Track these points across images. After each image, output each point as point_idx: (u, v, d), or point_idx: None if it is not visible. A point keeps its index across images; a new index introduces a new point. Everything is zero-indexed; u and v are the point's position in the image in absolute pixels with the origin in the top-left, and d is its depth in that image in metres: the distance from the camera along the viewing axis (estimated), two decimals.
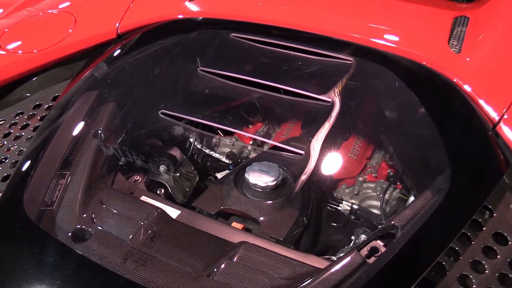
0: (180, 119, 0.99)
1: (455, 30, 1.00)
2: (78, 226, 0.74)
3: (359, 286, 0.60)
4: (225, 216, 0.93)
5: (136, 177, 1.04)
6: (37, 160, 0.84)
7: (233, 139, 1.14)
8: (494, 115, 0.77)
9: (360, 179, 1.02)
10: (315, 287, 0.61)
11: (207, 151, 1.13)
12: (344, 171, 1.03)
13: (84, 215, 0.76)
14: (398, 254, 0.61)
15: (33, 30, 1.22)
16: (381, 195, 0.93)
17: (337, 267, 0.63)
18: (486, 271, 0.63)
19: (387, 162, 1.06)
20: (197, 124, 1.04)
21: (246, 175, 0.92)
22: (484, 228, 0.67)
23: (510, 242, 0.66)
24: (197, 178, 1.07)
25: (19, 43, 1.17)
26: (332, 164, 0.98)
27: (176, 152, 1.04)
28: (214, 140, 1.17)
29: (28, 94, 1.11)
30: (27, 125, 1.00)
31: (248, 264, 0.67)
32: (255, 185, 0.91)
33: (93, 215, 0.77)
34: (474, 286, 0.61)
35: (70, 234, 0.72)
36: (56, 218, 0.75)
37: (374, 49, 0.96)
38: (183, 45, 1.09)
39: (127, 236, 0.72)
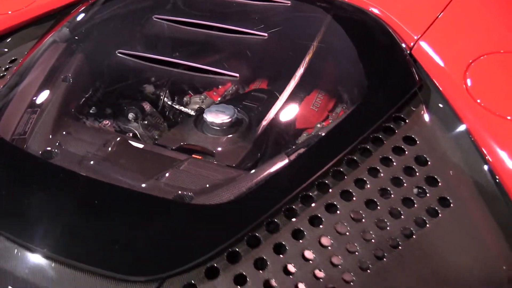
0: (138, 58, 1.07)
1: None
2: (47, 148, 0.84)
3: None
4: (186, 152, 1.03)
5: (106, 122, 1.13)
6: (10, 100, 0.94)
7: (202, 97, 1.24)
8: (410, 41, 0.88)
9: (319, 125, 1.13)
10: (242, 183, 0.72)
11: (177, 106, 1.22)
12: (306, 121, 1.13)
13: (52, 141, 0.86)
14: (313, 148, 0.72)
15: None
16: None
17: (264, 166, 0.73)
18: (394, 164, 0.74)
19: (345, 111, 1.16)
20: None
21: (204, 115, 1.02)
22: (396, 132, 0.78)
23: (418, 142, 0.77)
24: (166, 129, 1.16)
25: None
26: (293, 114, 1.07)
27: (146, 105, 1.13)
28: (185, 98, 1.26)
29: (5, 50, 1.20)
30: (3, 76, 1.10)
31: (191, 171, 0.78)
32: (212, 123, 1.01)
33: (60, 141, 0.87)
34: (385, 174, 0.72)
35: (39, 153, 0.83)
36: (28, 143, 0.85)
37: None
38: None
39: (90, 152, 0.82)
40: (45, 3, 1.25)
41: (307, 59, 0.96)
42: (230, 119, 1.01)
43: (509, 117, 0.72)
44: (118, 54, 1.02)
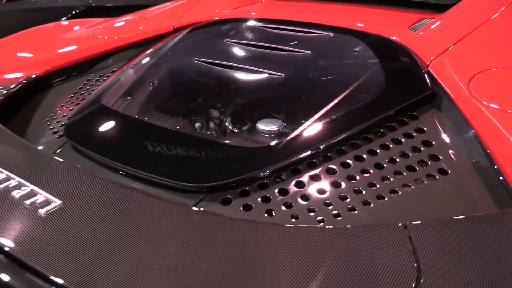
0: None
1: (417, 23, 1.34)
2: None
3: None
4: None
5: None
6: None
7: None
8: (427, 61, 1.10)
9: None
10: None
11: None
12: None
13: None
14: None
15: (118, 26, 1.71)
16: None
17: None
18: (403, 142, 0.92)
19: None
20: None
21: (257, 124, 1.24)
22: (408, 123, 0.97)
23: (426, 131, 0.95)
24: None
25: (107, 32, 1.65)
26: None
27: None
28: None
29: (110, 61, 1.55)
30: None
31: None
32: (262, 130, 1.22)
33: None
34: (395, 149, 0.90)
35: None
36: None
37: (341, 28, 1.31)
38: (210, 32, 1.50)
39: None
40: (141, 33, 1.61)
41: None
42: (278, 128, 1.23)
43: (497, 106, 0.90)
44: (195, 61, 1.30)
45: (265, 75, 1.12)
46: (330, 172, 0.87)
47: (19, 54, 1.64)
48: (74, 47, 1.61)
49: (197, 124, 1.02)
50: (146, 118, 1.05)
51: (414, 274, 0.57)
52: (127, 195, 0.75)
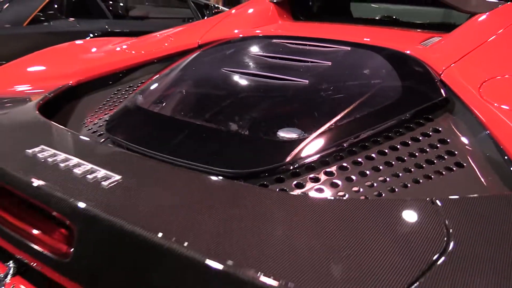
0: None
1: (427, 40, 1.46)
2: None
3: None
4: None
5: None
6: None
7: None
8: (440, 71, 1.20)
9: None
10: None
11: None
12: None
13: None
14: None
15: (145, 42, 1.82)
16: None
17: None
18: (421, 140, 1.01)
19: None
20: None
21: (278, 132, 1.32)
22: (425, 125, 1.06)
23: (441, 131, 1.04)
24: None
25: (134, 48, 1.76)
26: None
27: None
28: None
29: (137, 75, 1.65)
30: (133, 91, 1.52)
31: None
32: (283, 137, 1.31)
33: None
34: (413, 146, 0.99)
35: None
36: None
37: (358, 44, 1.42)
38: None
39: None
40: (167, 49, 1.72)
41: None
42: (297, 136, 1.31)
43: (507, 107, 1.00)
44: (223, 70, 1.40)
45: (291, 82, 1.21)
46: (355, 163, 0.95)
47: (51, 66, 1.75)
48: (104, 60, 1.71)
49: (231, 120, 1.10)
50: (182, 115, 1.14)
51: (443, 239, 0.64)
52: (180, 172, 0.83)
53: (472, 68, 1.20)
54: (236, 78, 1.27)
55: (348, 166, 0.94)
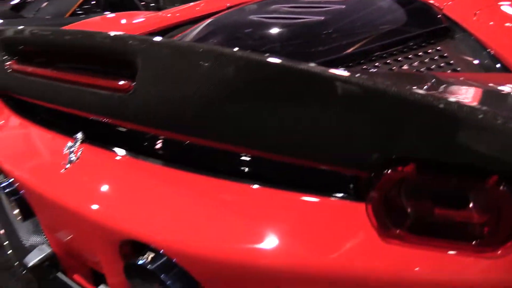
0: None
1: None
2: None
3: None
4: None
5: None
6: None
7: None
8: (442, 6, 1.36)
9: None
10: None
11: None
12: None
13: None
14: None
15: (179, 9, 2.05)
16: None
17: None
18: (421, 54, 1.17)
19: None
20: None
21: None
22: (427, 44, 1.23)
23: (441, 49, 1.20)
24: None
25: (170, 13, 1.98)
26: None
27: None
28: None
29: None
30: None
31: None
32: None
33: None
34: (414, 58, 1.15)
35: None
36: None
37: None
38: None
39: None
40: (200, 10, 1.94)
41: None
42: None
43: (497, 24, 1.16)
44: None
45: (310, 19, 1.40)
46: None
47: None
48: (146, 22, 1.94)
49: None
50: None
51: None
52: None
53: (468, 2, 1.38)
54: (264, 20, 1.47)
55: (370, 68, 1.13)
